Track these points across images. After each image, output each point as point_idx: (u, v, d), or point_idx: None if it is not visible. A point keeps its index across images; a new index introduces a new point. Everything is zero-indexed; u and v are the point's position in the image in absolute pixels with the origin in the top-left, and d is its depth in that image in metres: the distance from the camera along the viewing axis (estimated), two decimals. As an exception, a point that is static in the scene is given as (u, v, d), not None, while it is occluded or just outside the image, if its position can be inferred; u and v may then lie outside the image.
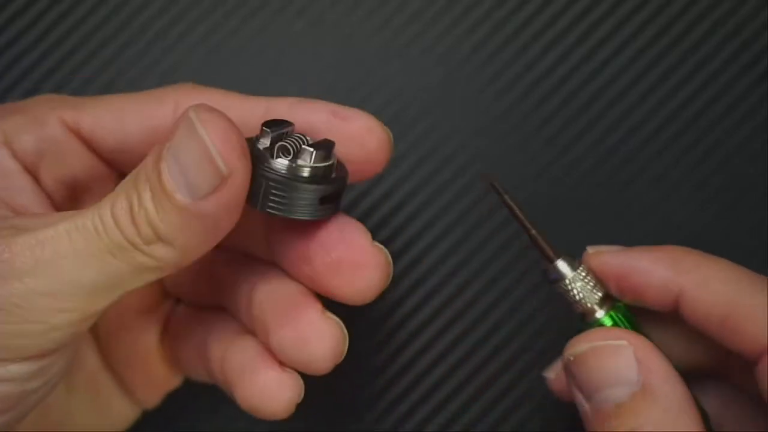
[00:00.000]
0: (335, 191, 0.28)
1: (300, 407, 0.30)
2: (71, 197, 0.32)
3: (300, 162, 0.27)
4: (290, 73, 0.40)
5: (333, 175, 0.28)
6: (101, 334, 0.34)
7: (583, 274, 0.30)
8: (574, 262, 0.31)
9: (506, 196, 0.30)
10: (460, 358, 0.39)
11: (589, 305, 0.30)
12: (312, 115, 0.29)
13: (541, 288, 0.39)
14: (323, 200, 0.27)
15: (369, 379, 0.35)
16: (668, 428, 0.27)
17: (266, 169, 0.26)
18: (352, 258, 0.28)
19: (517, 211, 0.30)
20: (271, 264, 0.31)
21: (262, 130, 0.27)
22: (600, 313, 0.30)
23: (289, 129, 0.28)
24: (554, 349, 0.34)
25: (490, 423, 0.39)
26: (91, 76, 0.40)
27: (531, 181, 0.39)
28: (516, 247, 0.39)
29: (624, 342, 0.28)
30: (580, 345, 0.29)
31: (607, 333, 0.29)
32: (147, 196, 0.25)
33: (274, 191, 0.26)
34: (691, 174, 0.39)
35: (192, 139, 0.25)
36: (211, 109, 0.25)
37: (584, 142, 0.39)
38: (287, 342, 0.29)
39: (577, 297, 0.30)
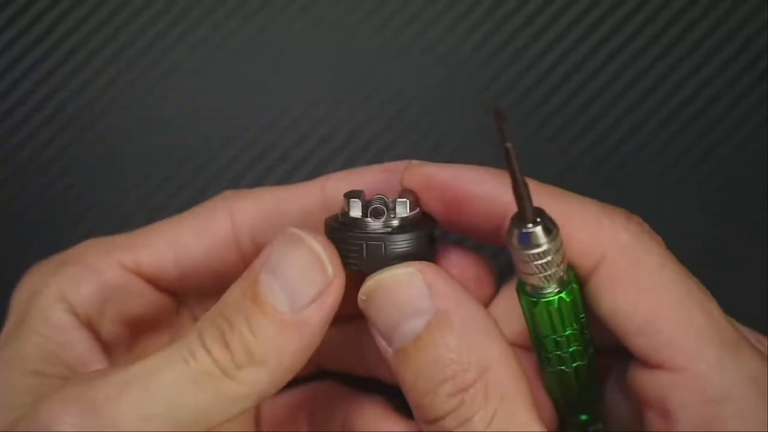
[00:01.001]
0: (434, 227, 0.29)
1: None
2: (132, 335, 0.32)
3: (398, 214, 0.28)
4: (290, 73, 0.40)
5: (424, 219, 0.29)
6: None
7: (558, 246, 0.26)
8: (551, 232, 0.26)
9: (506, 133, 0.24)
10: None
11: (544, 281, 0.26)
12: (370, 180, 0.31)
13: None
14: (432, 239, 0.29)
15: (370, 383, 0.35)
16: (469, 353, 0.25)
17: (374, 232, 0.28)
18: (470, 274, 0.30)
19: (513, 155, 0.24)
20: None
21: (349, 202, 0.28)
22: (552, 289, 0.27)
23: (363, 194, 0.29)
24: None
25: (491, 423, 0.38)
26: (91, 76, 0.40)
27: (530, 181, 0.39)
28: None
29: (411, 269, 0.26)
30: (369, 283, 0.27)
31: (395, 266, 0.27)
32: (240, 319, 0.26)
33: (392, 247, 0.27)
34: (691, 174, 0.39)
35: (298, 249, 0.26)
36: (307, 227, 0.27)
37: (584, 142, 0.39)
38: None
39: (539, 269, 0.26)
